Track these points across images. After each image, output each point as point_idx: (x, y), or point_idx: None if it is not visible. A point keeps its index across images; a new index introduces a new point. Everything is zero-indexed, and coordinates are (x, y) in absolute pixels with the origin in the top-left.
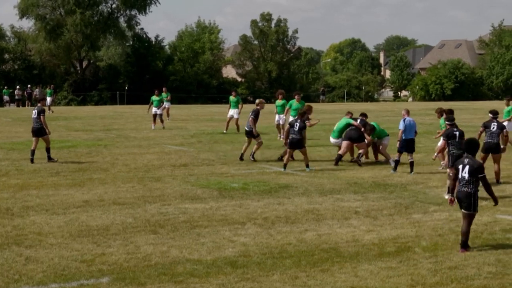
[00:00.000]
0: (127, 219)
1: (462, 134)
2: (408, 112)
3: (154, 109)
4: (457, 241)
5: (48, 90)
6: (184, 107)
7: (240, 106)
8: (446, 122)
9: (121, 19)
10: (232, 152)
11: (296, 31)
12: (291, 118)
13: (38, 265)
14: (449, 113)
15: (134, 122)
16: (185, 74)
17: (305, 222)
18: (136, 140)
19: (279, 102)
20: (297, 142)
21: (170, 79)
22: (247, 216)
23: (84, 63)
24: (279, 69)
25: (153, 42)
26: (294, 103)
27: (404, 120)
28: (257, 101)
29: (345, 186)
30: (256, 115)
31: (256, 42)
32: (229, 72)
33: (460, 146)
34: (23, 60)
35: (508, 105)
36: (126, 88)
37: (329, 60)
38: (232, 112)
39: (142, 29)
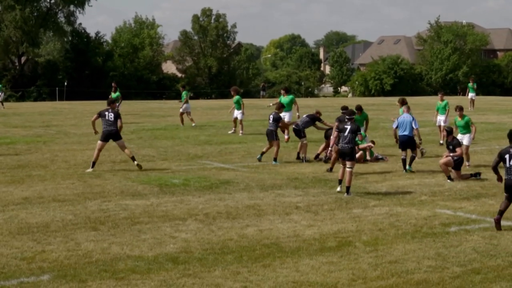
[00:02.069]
0: (67, 216)
1: (352, 130)
2: (408, 109)
3: None
4: (397, 235)
5: None
6: (124, 103)
7: (186, 99)
8: (346, 117)
9: (60, 15)
10: (173, 147)
11: (235, 26)
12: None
13: None
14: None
15: (74, 118)
16: (124, 69)
17: (246, 217)
18: (76, 137)
19: (234, 98)
20: (270, 133)
21: (110, 74)
22: (188, 212)
23: (23, 59)
24: (219, 64)
25: (93, 38)
26: (282, 98)
27: (397, 118)
28: (317, 110)
29: (286, 181)
30: (312, 119)
31: (196, 37)
32: (169, 67)
33: (347, 140)
34: None
35: (442, 100)
36: (65, 84)
37: (269, 55)
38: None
39: (80, 24)
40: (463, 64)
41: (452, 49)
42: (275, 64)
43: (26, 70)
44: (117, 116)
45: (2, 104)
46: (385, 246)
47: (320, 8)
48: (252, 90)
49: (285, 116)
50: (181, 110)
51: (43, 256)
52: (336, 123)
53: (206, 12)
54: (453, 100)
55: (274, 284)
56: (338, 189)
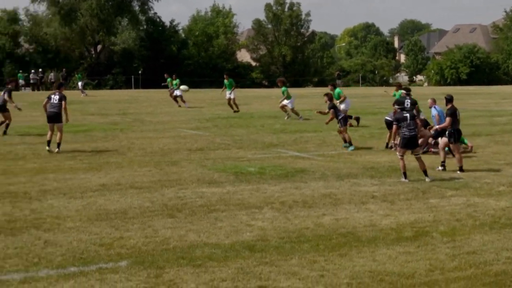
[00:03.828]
0: (144, 203)
1: (413, 116)
2: (435, 101)
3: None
4: (475, 226)
5: (77, 75)
6: (199, 91)
7: (233, 87)
8: (396, 107)
9: (135, 3)
10: (248, 136)
11: (309, 14)
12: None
13: (57, 248)
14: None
15: (149, 106)
16: (199, 58)
17: (322, 206)
18: (152, 124)
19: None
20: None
21: (184, 63)
22: (264, 200)
23: (99, 47)
24: (293, 53)
25: (167, 27)
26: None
27: (436, 108)
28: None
29: (361, 170)
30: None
31: (270, 26)
32: (244, 56)
33: (412, 127)
34: (38, 44)
35: None
36: (141, 72)
37: (343, 44)
38: (228, 94)
39: (155, 13)
40: None
41: None
42: (349, 53)
43: (102, 59)
44: (62, 98)
45: (83, 92)
46: (463, 236)
47: None
48: (327, 79)
49: (342, 105)
50: (232, 96)
51: (121, 242)
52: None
53: (279, 1)
54: None
55: (351, 273)
56: (405, 179)
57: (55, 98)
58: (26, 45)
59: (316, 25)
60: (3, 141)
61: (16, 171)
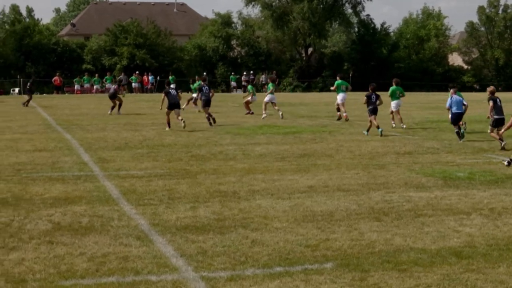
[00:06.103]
0: (351, 206)
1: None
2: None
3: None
4: None
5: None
6: (409, 95)
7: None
8: None
9: (347, 6)
10: (457, 140)
11: None
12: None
13: (264, 248)
14: None
15: (357, 109)
16: (410, 61)
17: None
18: (360, 127)
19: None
20: None
21: (394, 66)
22: (473, 207)
23: (309, 50)
24: (506, 56)
25: (378, 29)
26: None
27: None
28: None
29: None
30: None
31: (483, 28)
32: (455, 59)
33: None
34: (250, 47)
35: None
36: (351, 75)
37: None
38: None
39: (367, 15)
40: None
41: None
42: None
43: (312, 61)
44: (177, 92)
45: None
46: None
47: None
48: None
49: None
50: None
51: (327, 244)
52: None
53: (493, 3)
54: None
55: None
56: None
57: (174, 92)
58: (238, 48)
59: None
60: (215, 142)
61: (226, 171)
